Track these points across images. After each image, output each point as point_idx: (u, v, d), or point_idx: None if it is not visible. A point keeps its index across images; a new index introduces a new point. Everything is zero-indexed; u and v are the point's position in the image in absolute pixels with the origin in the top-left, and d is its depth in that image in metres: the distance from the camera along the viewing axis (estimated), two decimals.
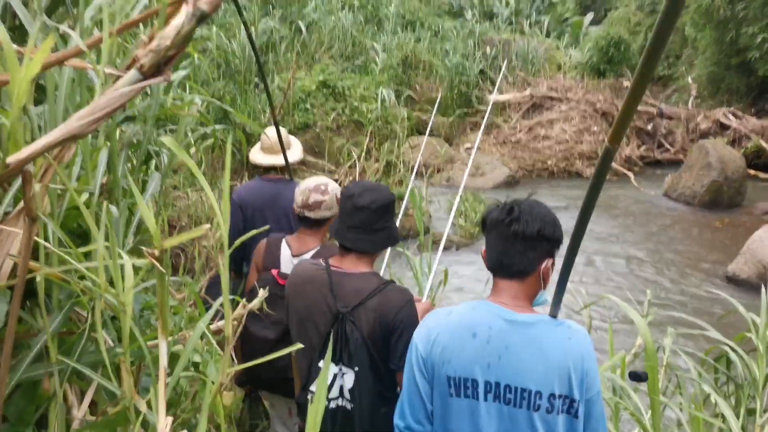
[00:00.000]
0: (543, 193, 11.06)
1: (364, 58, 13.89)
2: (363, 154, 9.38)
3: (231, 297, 3.44)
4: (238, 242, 1.67)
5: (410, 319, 2.20)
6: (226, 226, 1.35)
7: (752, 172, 11.54)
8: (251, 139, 7.51)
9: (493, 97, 14.32)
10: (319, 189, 2.81)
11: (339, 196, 2.73)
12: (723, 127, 13.09)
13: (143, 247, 1.31)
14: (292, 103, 9.39)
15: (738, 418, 2.57)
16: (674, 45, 18.94)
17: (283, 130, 3.70)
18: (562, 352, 1.68)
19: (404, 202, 4.48)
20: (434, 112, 7.21)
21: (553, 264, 1.78)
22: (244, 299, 2.07)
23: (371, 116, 9.65)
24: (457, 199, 3.98)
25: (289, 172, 3.61)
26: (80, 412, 1.59)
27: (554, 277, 1.78)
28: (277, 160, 3.55)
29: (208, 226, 0.97)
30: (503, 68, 13.62)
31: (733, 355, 2.73)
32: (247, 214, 3.52)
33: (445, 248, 8.28)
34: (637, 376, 2.37)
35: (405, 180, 9.37)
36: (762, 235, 7.41)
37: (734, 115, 13.20)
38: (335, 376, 2.17)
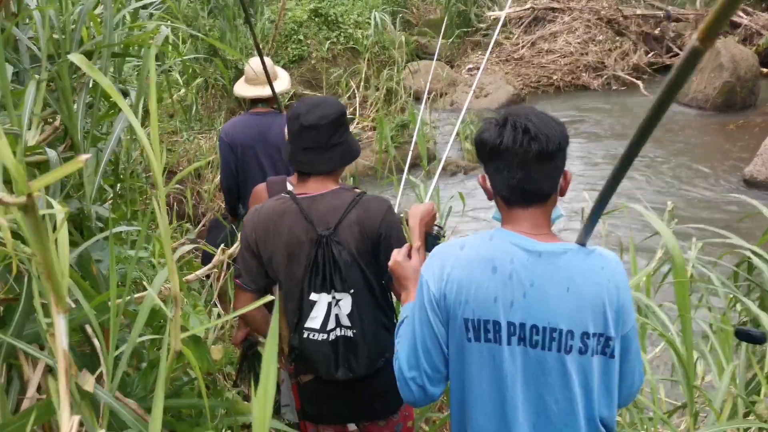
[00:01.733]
0: (550, 110, 10.77)
1: None
2: (362, 83, 9.10)
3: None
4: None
5: (395, 225, 2.10)
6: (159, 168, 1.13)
7: (765, 70, 11.13)
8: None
9: (492, 13, 13.83)
10: None
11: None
12: (733, 26, 12.56)
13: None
14: (285, 35, 9.05)
15: None
16: None
17: (268, 60, 3.48)
18: (594, 285, 1.48)
19: (416, 131, 4.25)
20: (441, 33, 6.88)
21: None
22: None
23: (367, 43, 9.30)
24: (459, 122, 3.76)
25: (278, 102, 3.41)
26: (29, 392, 1.40)
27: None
28: (263, 91, 3.33)
29: (85, 156, 0.75)
30: None
31: (756, 260, 2.58)
32: (237, 151, 3.35)
33: (453, 174, 8.17)
34: (749, 336, 2.06)
35: (407, 107, 9.12)
36: None
37: (744, 11, 12.65)
38: (329, 305, 2.04)
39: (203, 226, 4.31)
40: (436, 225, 2.08)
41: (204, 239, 3.78)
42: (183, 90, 6.21)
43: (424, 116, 8.32)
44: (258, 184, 3.06)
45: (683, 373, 2.14)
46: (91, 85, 1.96)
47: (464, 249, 1.55)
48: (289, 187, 2.55)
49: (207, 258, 3.47)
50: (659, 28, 13.36)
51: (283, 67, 8.94)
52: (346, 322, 2.05)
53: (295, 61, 9.07)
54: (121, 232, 2.01)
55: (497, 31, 4.54)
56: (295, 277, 2.06)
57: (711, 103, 10.08)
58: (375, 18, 9.45)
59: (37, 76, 1.56)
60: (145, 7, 2.38)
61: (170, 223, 3.64)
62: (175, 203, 5.94)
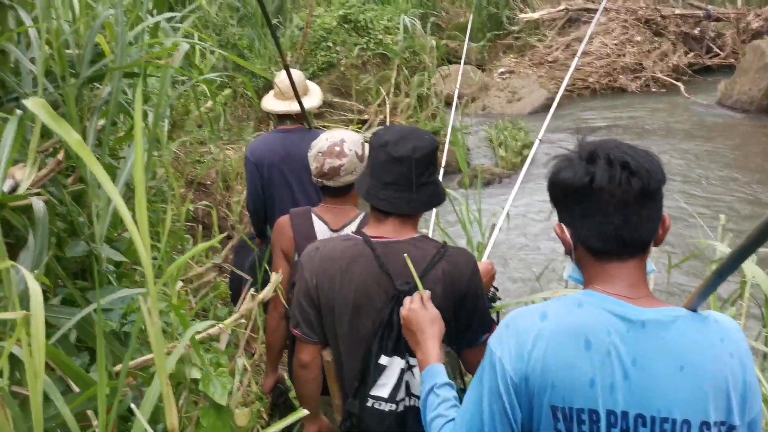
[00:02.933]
0: (587, 114, 10.46)
1: None
2: (392, 89, 8.88)
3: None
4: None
5: (481, 285, 1.84)
6: None
7: None
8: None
9: (523, 15, 13.52)
10: (333, 152, 2.28)
11: (360, 150, 2.28)
12: None
13: None
14: (313, 43, 8.88)
15: None
16: None
17: (298, 73, 3.29)
18: (714, 361, 1.20)
19: (447, 137, 4.01)
20: (467, 37, 6.64)
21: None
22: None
23: (397, 48, 9.08)
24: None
25: (306, 119, 3.20)
26: None
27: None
28: (293, 106, 3.12)
29: None
30: None
31: None
32: (263, 172, 3.14)
33: (487, 183, 7.91)
34: None
35: (439, 113, 8.88)
36: None
37: None
38: (401, 372, 1.76)
39: (230, 248, 4.12)
40: (493, 287, 1.85)
41: (232, 261, 3.61)
42: (210, 102, 6.06)
43: (455, 122, 8.08)
44: (286, 204, 2.86)
45: None
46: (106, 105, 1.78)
47: (547, 319, 1.26)
48: (317, 221, 2.34)
49: (235, 282, 3.29)
50: (699, 28, 12.93)
51: (312, 74, 8.77)
52: (418, 391, 1.75)
53: (324, 69, 8.90)
54: (134, 268, 1.82)
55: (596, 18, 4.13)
56: (361, 334, 1.80)
57: (756, 105, 9.67)
58: (404, 21, 9.23)
59: (18, 112, 1.36)
60: (169, 20, 2.21)
61: (195, 241, 3.46)
62: (203, 216, 5.79)
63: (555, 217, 1.37)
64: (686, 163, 8.19)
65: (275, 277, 1.77)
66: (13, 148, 1.25)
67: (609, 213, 1.23)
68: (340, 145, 2.29)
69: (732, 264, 1.11)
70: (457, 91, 4.45)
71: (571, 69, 3.67)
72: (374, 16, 9.40)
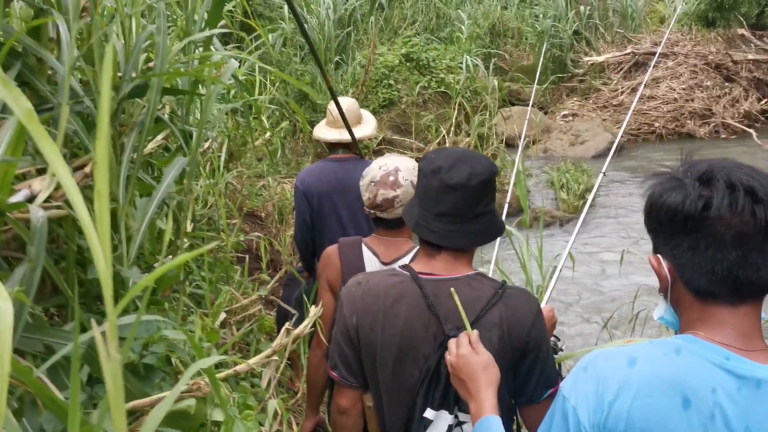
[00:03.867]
0: (655, 158, 10.12)
1: (449, 29, 13.21)
2: (452, 128, 8.80)
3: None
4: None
5: (545, 334, 1.61)
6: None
7: None
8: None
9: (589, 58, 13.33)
10: (387, 181, 2.09)
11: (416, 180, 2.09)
12: None
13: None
14: (375, 80, 8.91)
15: None
16: None
17: (351, 101, 3.20)
18: None
19: (512, 177, 3.88)
20: (537, 78, 6.53)
21: None
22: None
23: (459, 87, 9.03)
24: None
25: (357, 148, 3.10)
26: None
27: None
28: (344, 134, 3.03)
29: None
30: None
31: None
32: (313, 202, 3.04)
33: (547, 225, 7.67)
34: None
35: (499, 154, 8.73)
36: None
37: None
38: (449, 428, 1.55)
39: (277, 282, 4.03)
40: (554, 336, 1.66)
41: (281, 295, 3.51)
42: (268, 133, 6.08)
43: (517, 165, 7.91)
44: (336, 237, 2.74)
45: None
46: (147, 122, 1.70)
47: (636, 366, 1.04)
48: (366, 252, 2.16)
49: (282, 316, 3.18)
50: None
51: (372, 111, 8.78)
52: None
53: (385, 106, 8.90)
54: (174, 297, 1.71)
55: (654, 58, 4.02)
56: (405, 383, 1.59)
57: None
58: (467, 61, 9.19)
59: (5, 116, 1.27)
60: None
61: (242, 275, 3.39)
62: (257, 249, 5.75)
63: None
64: None
65: (314, 311, 1.64)
66: (14, 152, 1.16)
67: (723, 247, 1.02)
68: (395, 174, 2.11)
69: None
70: (525, 130, 4.28)
71: (633, 105, 3.50)
72: (437, 55, 9.40)
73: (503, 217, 3.03)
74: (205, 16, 2.00)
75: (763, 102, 12.03)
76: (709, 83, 12.08)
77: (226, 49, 3.24)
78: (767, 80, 12.41)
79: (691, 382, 1.01)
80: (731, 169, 1.05)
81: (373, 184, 2.13)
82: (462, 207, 1.57)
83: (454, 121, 8.82)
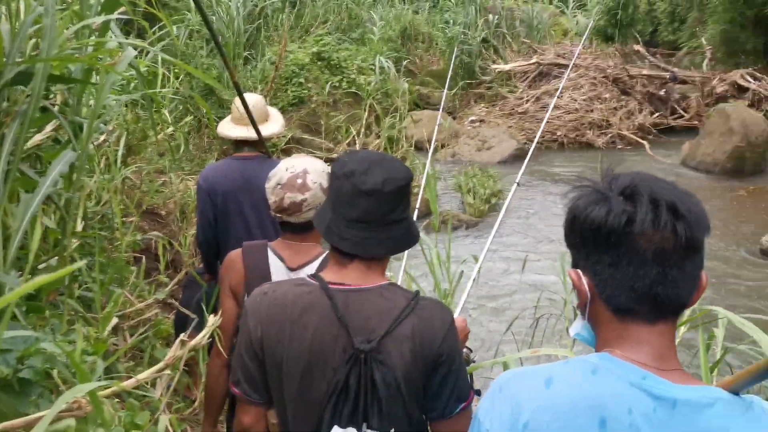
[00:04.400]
0: (556, 165, 10.49)
1: (362, 30, 13.20)
2: (362, 129, 8.77)
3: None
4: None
5: (457, 346, 1.54)
6: None
7: None
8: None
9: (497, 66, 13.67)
10: (294, 185, 1.98)
11: (326, 183, 1.90)
12: (741, 90, 12.39)
13: None
14: (285, 78, 8.76)
15: None
16: (680, 8, 18.22)
17: (257, 98, 3.09)
18: None
19: (423, 180, 3.88)
20: (447, 83, 6.57)
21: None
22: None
23: (370, 88, 9.01)
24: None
25: (264, 146, 2.98)
26: None
27: None
28: (251, 132, 2.90)
29: None
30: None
31: None
32: (217, 200, 2.90)
33: (454, 228, 7.77)
34: None
35: (409, 157, 8.78)
36: None
37: (752, 76, 12.50)
38: None
39: (176, 284, 3.84)
40: (466, 347, 1.62)
41: (180, 298, 3.33)
42: (171, 128, 5.83)
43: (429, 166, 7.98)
44: (241, 237, 2.62)
45: None
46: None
47: (552, 386, 1.01)
48: (272, 257, 2.03)
49: (181, 321, 3.02)
50: (665, 90, 13.20)
51: (281, 109, 8.63)
52: None
53: (295, 104, 8.76)
54: (56, 302, 1.56)
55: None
56: (313, 398, 1.50)
57: (720, 167, 9.78)
58: (380, 62, 9.19)
59: None
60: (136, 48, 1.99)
61: (138, 276, 3.19)
62: (157, 249, 5.49)
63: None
64: None
65: (213, 320, 1.53)
66: None
67: (645, 264, 0.99)
68: (303, 177, 1.99)
69: None
70: (435, 134, 4.29)
71: (547, 115, 3.57)
72: (348, 55, 9.35)
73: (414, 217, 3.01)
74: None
75: (655, 115, 12.72)
76: (607, 95, 12.65)
77: (127, 39, 3.05)
78: (660, 95, 13.14)
79: (607, 403, 0.98)
80: (654, 185, 1.03)
81: (279, 186, 2.01)
82: (376, 213, 1.49)
83: (364, 122, 8.80)
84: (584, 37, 8.36)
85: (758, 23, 12.98)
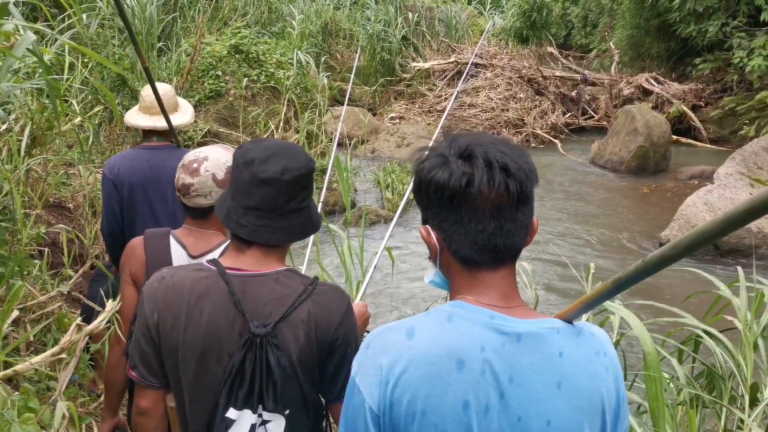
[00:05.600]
0: None
1: (282, 24, 13.09)
2: (281, 123, 8.72)
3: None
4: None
5: (355, 330, 1.59)
6: None
7: (674, 137, 11.53)
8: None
9: (415, 64, 13.87)
10: (189, 168, 2.00)
11: (222, 174, 1.98)
12: (646, 93, 13.08)
13: None
14: (201, 70, 8.59)
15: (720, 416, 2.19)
16: (592, 14, 19.01)
17: (167, 87, 3.05)
18: (591, 377, 1.13)
19: (327, 174, 3.93)
20: (352, 77, 6.65)
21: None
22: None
23: (289, 83, 8.96)
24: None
25: (175, 136, 2.94)
26: None
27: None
28: (160, 122, 2.86)
29: None
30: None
31: (709, 341, 2.34)
32: (123, 191, 2.84)
33: (372, 223, 7.87)
34: None
35: (328, 151, 8.80)
36: (694, 200, 7.25)
37: (656, 80, 13.21)
38: (252, 427, 1.49)
39: (80, 277, 3.73)
40: (366, 331, 1.66)
41: (87, 292, 3.25)
42: (79, 118, 5.63)
43: (344, 163, 8.00)
44: (148, 228, 2.59)
45: None
46: None
47: (414, 337, 1.12)
48: (174, 244, 2.05)
49: (88, 314, 2.95)
50: (576, 91, 13.76)
51: (198, 102, 8.45)
52: None
53: (212, 97, 8.61)
54: None
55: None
56: (209, 382, 1.51)
57: (626, 165, 10.28)
58: (297, 56, 9.15)
59: None
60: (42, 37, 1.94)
61: (40, 270, 3.08)
62: (65, 243, 5.30)
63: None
64: (558, 213, 8.53)
65: (110, 305, 1.52)
66: None
67: (483, 219, 1.12)
68: (200, 163, 2.02)
69: (622, 284, 1.05)
70: (340, 127, 4.34)
71: (447, 110, 3.67)
72: (267, 49, 9.26)
73: (320, 206, 3.04)
74: None
75: (567, 115, 13.24)
76: (522, 95, 13.07)
77: (37, 26, 2.94)
78: (571, 96, 13.68)
79: (462, 345, 1.10)
80: (488, 146, 1.13)
81: (181, 166, 2.04)
82: (274, 202, 1.52)
83: (283, 116, 8.75)
84: (483, 35, 8.60)
85: (661, 30, 13.70)
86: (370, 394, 1.11)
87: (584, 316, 2.38)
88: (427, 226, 1.20)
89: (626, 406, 1.18)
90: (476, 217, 1.12)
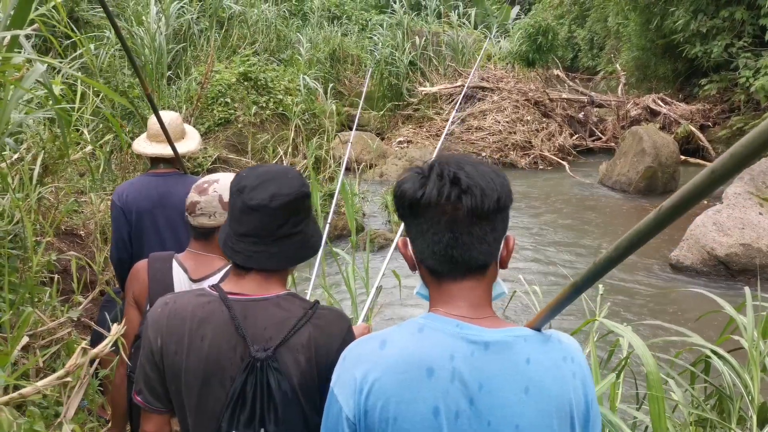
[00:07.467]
0: None
1: (290, 52, 13.27)
2: (290, 149, 8.80)
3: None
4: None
5: None
6: None
7: (683, 157, 11.52)
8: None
9: (423, 89, 13.98)
10: (200, 187, 2.11)
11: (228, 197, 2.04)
12: (653, 114, 13.09)
13: None
14: (211, 97, 8.71)
15: None
16: (598, 36, 19.14)
17: (174, 115, 3.10)
18: (558, 382, 1.18)
19: (334, 199, 3.97)
20: (361, 102, 6.71)
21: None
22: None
23: (297, 109, 9.06)
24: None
25: (180, 163, 2.99)
26: None
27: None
28: (167, 149, 2.91)
29: None
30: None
31: (717, 362, 2.33)
32: (131, 218, 2.88)
33: (381, 247, 7.88)
34: None
35: (336, 176, 8.85)
36: (703, 220, 7.23)
37: (663, 101, 13.23)
38: None
39: (90, 302, 3.77)
40: None
41: (97, 317, 3.28)
42: (90, 147, 5.71)
43: (353, 187, 8.05)
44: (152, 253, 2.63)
45: None
46: None
47: (386, 347, 1.19)
48: (176, 268, 2.10)
49: (97, 340, 2.98)
50: (583, 113, 13.79)
51: (208, 129, 8.56)
52: None
53: (221, 124, 8.72)
54: None
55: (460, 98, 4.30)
56: (211, 407, 1.53)
57: (634, 186, 10.27)
58: (304, 80, 9.26)
59: None
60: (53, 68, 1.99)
61: (50, 297, 3.12)
62: (76, 270, 5.35)
63: None
64: (568, 234, 8.51)
65: (115, 329, 1.54)
66: None
67: (440, 230, 1.18)
68: (210, 183, 2.11)
69: (580, 287, 1.11)
70: (348, 151, 4.38)
71: (443, 135, 3.71)
72: (275, 76, 9.38)
73: (325, 233, 3.06)
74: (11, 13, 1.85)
75: (574, 137, 13.26)
76: (529, 118, 13.11)
77: (45, 57, 3.02)
78: (578, 118, 13.71)
79: (432, 354, 1.16)
80: (448, 163, 1.21)
81: (194, 187, 2.14)
82: (264, 228, 1.54)
83: (291, 142, 8.83)
84: (482, 51, 8.65)
85: (667, 51, 13.76)
86: (346, 402, 1.18)
87: (592, 336, 2.38)
88: (405, 238, 1.28)
89: (597, 410, 1.23)
90: (433, 228, 1.19)
